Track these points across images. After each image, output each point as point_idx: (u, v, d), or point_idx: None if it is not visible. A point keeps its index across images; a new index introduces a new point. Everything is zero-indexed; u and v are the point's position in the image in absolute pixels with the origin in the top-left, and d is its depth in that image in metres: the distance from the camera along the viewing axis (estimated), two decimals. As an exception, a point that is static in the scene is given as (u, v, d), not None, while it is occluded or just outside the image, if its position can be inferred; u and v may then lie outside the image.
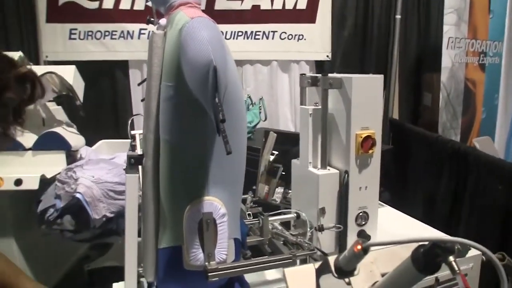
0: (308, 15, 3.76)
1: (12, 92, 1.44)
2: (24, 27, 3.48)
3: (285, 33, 3.79)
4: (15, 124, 1.51)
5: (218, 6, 3.74)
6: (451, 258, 0.74)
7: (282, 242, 1.48)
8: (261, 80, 3.89)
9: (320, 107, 1.52)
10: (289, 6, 3.76)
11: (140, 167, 1.27)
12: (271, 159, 2.21)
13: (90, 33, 3.56)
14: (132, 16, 3.53)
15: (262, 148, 2.18)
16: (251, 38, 3.81)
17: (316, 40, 3.79)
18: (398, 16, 3.77)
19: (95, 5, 3.52)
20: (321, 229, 1.45)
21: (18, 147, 2.27)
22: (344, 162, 1.48)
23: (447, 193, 2.69)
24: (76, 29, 3.55)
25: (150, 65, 1.21)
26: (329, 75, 1.50)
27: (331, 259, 0.88)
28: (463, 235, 2.43)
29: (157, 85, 1.19)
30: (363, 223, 1.49)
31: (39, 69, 2.23)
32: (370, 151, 1.47)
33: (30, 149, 2.29)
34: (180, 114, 1.14)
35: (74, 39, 3.57)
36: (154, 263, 1.24)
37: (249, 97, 3.35)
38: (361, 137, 1.44)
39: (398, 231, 1.74)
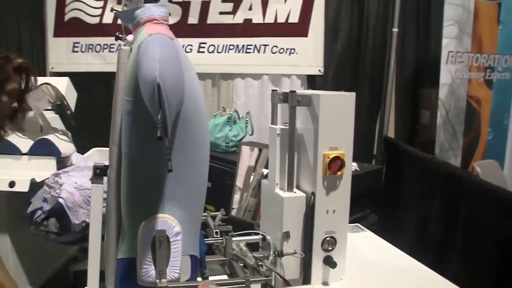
0: (300, 29, 3.79)
1: (14, 83, 1.71)
2: (35, 40, 4.08)
3: (277, 47, 3.83)
4: (14, 119, 1.80)
5: (210, 20, 3.87)
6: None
7: (242, 265, 1.46)
8: (251, 94, 3.95)
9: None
10: (281, 19, 3.80)
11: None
12: (265, 173, 2.25)
13: (90, 46, 3.99)
14: (129, 30, 3.70)
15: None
16: (243, 52, 3.88)
17: (308, 54, 3.81)
18: (395, 29, 3.75)
19: (96, 20, 3.92)
20: (280, 254, 1.42)
21: (15, 151, 2.61)
22: (311, 183, 1.46)
23: (439, 219, 2.62)
24: (78, 42, 4.00)
25: (116, 79, 1.29)
26: (298, 91, 1.48)
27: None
28: (455, 265, 2.39)
29: (121, 99, 1.25)
30: (330, 248, 1.46)
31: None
32: (339, 173, 1.44)
33: (25, 153, 2.62)
34: (137, 128, 1.19)
35: (77, 51, 4.02)
36: (115, 272, 1.28)
37: (236, 111, 3.39)
38: (329, 157, 1.42)
39: (372, 259, 1.71)
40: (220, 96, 4.03)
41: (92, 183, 1.38)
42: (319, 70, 3.82)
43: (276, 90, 1.62)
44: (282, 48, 3.82)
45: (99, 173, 1.37)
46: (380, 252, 1.80)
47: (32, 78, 1.83)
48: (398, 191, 3.26)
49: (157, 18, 1.24)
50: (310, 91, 1.51)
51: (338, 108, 1.44)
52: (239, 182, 2.97)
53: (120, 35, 1.41)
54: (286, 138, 1.51)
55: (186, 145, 1.21)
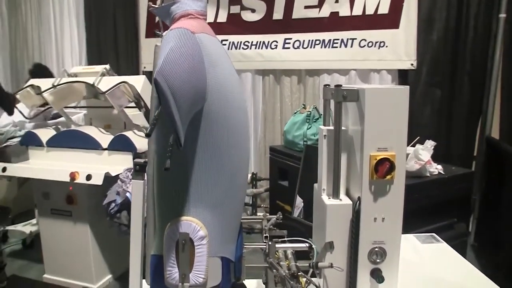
0: (390, 20, 3.64)
1: None
2: (129, 42, 4.61)
3: (365, 40, 3.73)
4: None
5: (296, 15, 3.87)
6: None
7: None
8: (338, 90, 3.84)
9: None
10: (369, 11, 3.69)
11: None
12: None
13: (178, 46, 4.21)
14: (216, 27, 3.95)
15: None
16: (329, 47, 3.83)
17: (399, 47, 3.65)
18: (502, 15, 3.45)
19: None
20: (315, 266, 1.35)
21: (97, 147, 2.91)
22: (358, 188, 1.37)
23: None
24: (167, 42, 4.18)
25: (153, 76, 1.28)
26: (344, 86, 1.40)
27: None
28: None
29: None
30: (378, 260, 1.36)
31: (115, 80, 2.99)
32: (388, 177, 1.34)
33: (106, 149, 2.90)
34: (163, 125, 1.17)
35: (166, 51, 4.27)
36: None
37: (316, 108, 3.34)
38: (376, 159, 1.32)
39: (437, 275, 1.58)
40: (306, 93, 3.99)
41: (132, 179, 1.43)
42: (412, 64, 3.63)
43: (328, 85, 1.55)
44: (371, 42, 3.69)
45: (138, 169, 1.41)
46: (450, 268, 1.66)
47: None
48: (500, 198, 2.98)
49: (192, 13, 1.25)
50: (358, 85, 1.42)
51: (388, 104, 1.34)
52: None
53: (158, 32, 1.41)
54: (333, 140, 1.43)
55: (212, 144, 1.18)
